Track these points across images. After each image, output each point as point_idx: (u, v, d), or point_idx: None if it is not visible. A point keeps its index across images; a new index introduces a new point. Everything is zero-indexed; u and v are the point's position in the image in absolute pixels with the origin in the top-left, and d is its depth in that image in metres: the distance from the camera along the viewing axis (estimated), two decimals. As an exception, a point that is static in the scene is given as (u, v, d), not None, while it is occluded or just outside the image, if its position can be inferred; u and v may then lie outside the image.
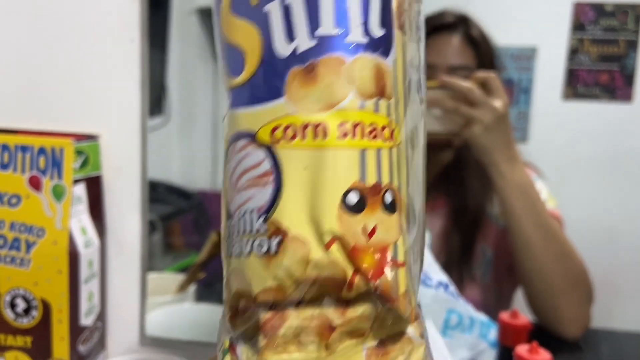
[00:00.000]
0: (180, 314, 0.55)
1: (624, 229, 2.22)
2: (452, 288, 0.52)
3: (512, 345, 0.43)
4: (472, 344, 0.52)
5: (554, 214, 0.84)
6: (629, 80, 2.18)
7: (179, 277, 0.63)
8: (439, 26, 0.87)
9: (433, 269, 0.53)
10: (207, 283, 0.72)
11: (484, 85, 0.72)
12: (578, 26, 2.21)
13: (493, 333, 0.53)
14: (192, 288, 0.62)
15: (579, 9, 2.17)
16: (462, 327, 0.52)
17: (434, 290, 0.51)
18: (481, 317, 0.53)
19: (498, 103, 0.71)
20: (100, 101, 0.44)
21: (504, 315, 0.49)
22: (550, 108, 2.33)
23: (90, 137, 0.44)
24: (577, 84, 2.24)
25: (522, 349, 0.41)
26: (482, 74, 0.73)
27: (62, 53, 0.44)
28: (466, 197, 0.89)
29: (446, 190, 0.93)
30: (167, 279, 0.64)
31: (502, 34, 2.35)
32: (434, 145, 0.90)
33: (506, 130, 0.73)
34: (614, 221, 2.24)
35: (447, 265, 0.88)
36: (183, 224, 2.38)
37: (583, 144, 2.32)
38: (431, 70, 0.85)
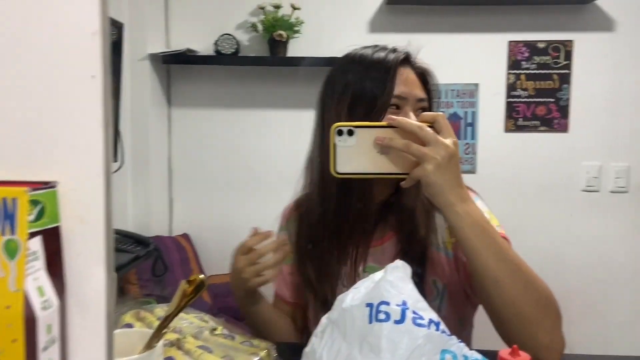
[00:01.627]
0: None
1: (569, 253, 2.30)
2: (443, 326, 0.50)
3: (514, 382, 0.41)
4: (469, 384, 0.50)
5: (500, 234, 0.84)
6: (564, 111, 2.30)
7: (146, 332, 0.57)
8: (402, 60, 0.88)
9: (422, 307, 0.51)
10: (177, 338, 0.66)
11: (432, 124, 0.71)
12: (514, 63, 2.34)
13: (488, 371, 0.51)
14: (160, 344, 0.57)
15: (513, 47, 2.30)
16: (458, 367, 0.49)
17: (427, 329, 0.48)
18: (475, 355, 0.51)
19: (449, 141, 0.70)
20: (58, 143, 0.40)
21: (504, 353, 0.47)
22: (494, 141, 2.42)
23: (47, 184, 0.39)
24: (516, 117, 2.34)
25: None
26: (430, 113, 0.73)
27: (16, 91, 0.40)
28: (412, 231, 0.88)
29: (393, 226, 0.91)
30: (132, 335, 0.59)
31: (446, 73, 2.45)
32: (378, 183, 0.88)
33: (457, 168, 0.71)
34: (561, 245, 2.32)
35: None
36: (139, 272, 2.24)
37: (526, 173, 2.41)
38: (403, 100, 0.85)
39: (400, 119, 0.70)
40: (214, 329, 0.72)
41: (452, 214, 0.71)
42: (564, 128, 2.20)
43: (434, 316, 0.50)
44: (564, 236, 2.23)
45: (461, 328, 0.92)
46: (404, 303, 0.50)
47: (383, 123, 0.72)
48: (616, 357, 0.81)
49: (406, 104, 0.85)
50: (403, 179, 0.72)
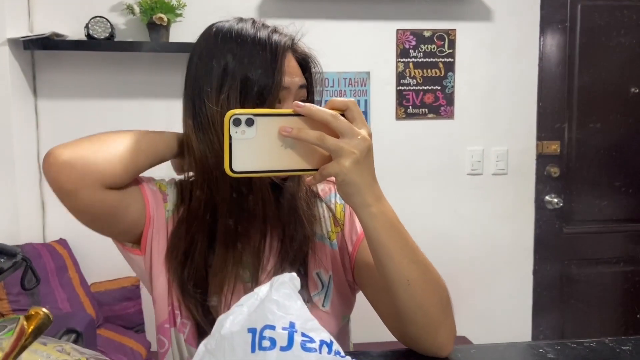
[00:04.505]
0: None
1: (457, 232, 2.40)
2: (336, 346, 0.45)
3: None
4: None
5: None
6: (450, 99, 2.39)
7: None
8: (286, 46, 0.78)
9: (312, 327, 0.45)
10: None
11: (344, 112, 0.62)
12: (402, 51, 2.38)
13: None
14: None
15: (401, 36, 2.33)
16: (353, 394, 0.44)
17: (317, 354, 0.42)
18: (371, 373, 0.46)
19: (364, 132, 0.62)
20: None
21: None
22: (386, 128, 2.45)
23: None
24: (407, 105, 2.39)
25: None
26: (340, 99, 0.63)
27: None
28: (289, 223, 0.82)
29: (270, 218, 0.84)
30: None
31: (338, 60, 2.41)
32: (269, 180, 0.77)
33: (372, 163, 0.64)
34: (450, 226, 2.42)
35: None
36: (8, 286, 1.97)
37: (417, 159, 2.48)
38: (285, 91, 0.77)
39: (309, 105, 0.61)
40: (77, 362, 0.61)
41: (367, 216, 0.65)
42: (450, 115, 2.28)
43: (326, 336, 0.45)
44: (452, 217, 2.33)
45: (344, 324, 0.88)
46: (292, 325, 0.43)
47: (288, 110, 0.61)
48: (499, 345, 0.82)
49: (289, 95, 0.77)
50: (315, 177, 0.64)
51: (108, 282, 2.10)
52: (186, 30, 2.06)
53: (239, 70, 0.75)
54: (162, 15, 1.95)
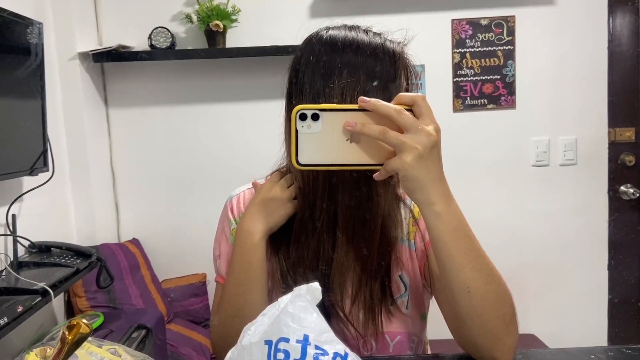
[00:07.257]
0: None
1: (523, 227, 2.30)
2: (353, 356, 0.45)
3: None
4: None
5: None
6: (511, 88, 2.30)
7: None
8: (401, 51, 0.82)
9: (326, 339, 0.45)
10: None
11: (411, 107, 0.61)
12: (458, 42, 2.30)
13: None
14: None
15: (457, 26, 2.26)
16: (365, 407, 0.45)
17: (329, 367, 0.43)
18: (386, 386, 0.46)
19: (430, 127, 0.60)
20: None
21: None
22: (443, 121, 2.35)
23: None
24: (464, 97, 2.31)
25: None
26: (407, 94, 0.62)
27: None
28: (376, 234, 0.80)
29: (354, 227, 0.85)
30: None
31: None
32: (349, 178, 0.77)
33: (439, 159, 0.63)
34: (516, 221, 2.33)
35: (370, 303, 0.80)
36: (86, 284, 2.12)
37: (477, 152, 2.40)
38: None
39: (374, 100, 0.60)
40: (126, 364, 0.66)
41: (430, 214, 0.63)
42: (511, 104, 2.19)
43: (340, 348, 0.45)
44: (517, 211, 2.24)
45: (422, 323, 0.88)
46: (305, 338, 0.44)
47: (354, 106, 0.61)
48: (547, 351, 0.78)
49: None
50: (375, 171, 0.63)
51: (177, 279, 2.22)
52: (242, 35, 2.12)
53: (361, 77, 0.74)
54: (218, 22, 2.01)
